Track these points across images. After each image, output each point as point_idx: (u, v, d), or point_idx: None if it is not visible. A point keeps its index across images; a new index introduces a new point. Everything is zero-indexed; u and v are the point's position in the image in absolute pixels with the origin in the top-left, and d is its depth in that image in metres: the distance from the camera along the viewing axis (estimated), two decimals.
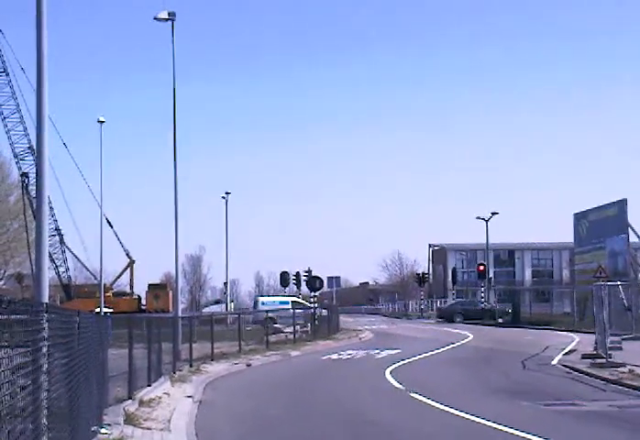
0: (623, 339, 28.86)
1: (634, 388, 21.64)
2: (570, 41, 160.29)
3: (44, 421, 8.29)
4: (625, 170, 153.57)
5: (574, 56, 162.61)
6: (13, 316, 7.09)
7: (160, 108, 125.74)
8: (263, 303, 63.45)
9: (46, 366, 8.63)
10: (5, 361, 6.58)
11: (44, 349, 8.53)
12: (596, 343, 29.93)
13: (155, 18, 35.47)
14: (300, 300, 63.94)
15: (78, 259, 79.17)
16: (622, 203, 57.83)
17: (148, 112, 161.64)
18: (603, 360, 27.45)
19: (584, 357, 29.73)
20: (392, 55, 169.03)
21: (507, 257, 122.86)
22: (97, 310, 54.33)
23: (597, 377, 24.54)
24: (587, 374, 25.54)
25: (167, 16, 35.51)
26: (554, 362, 30.16)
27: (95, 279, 72.59)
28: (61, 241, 75.13)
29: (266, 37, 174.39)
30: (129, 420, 16.00)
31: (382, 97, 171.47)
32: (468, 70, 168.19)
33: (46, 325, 8.69)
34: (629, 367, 25.42)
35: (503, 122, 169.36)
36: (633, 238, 57.95)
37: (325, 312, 64.99)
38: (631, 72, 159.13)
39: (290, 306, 60.04)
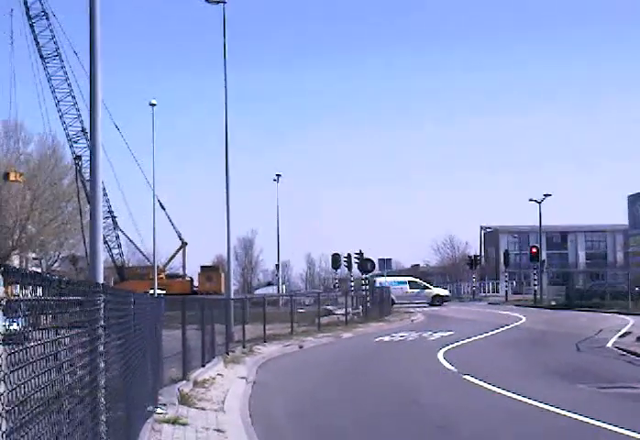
0: None
1: None
2: None
3: (102, 400, 8.35)
4: None
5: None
6: (70, 297, 7.13)
7: (211, 93, 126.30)
8: (381, 284, 64.93)
9: (102, 346, 8.69)
10: (63, 341, 6.64)
11: (100, 330, 8.58)
12: None
13: (207, 1, 35.56)
14: (416, 279, 65.06)
15: (131, 241, 79.86)
16: None
17: (199, 96, 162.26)
18: None
19: (639, 339, 29.47)
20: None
21: (560, 239, 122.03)
22: (151, 291, 54.70)
23: None
24: None
25: None
26: (608, 345, 29.90)
27: (148, 261, 73.17)
28: (115, 223, 75.80)
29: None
30: (184, 400, 16.11)
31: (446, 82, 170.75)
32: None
33: (102, 306, 8.75)
34: None
35: (555, 106, 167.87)
36: None
37: (443, 291, 66.16)
38: None
39: (408, 286, 61.73)
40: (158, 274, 65.66)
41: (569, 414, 14.97)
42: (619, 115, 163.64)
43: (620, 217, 71.05)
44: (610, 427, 13.63)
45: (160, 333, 17.34)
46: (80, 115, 67.34)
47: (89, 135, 17.51)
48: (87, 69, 16.98)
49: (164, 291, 64.47)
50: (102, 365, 8.56)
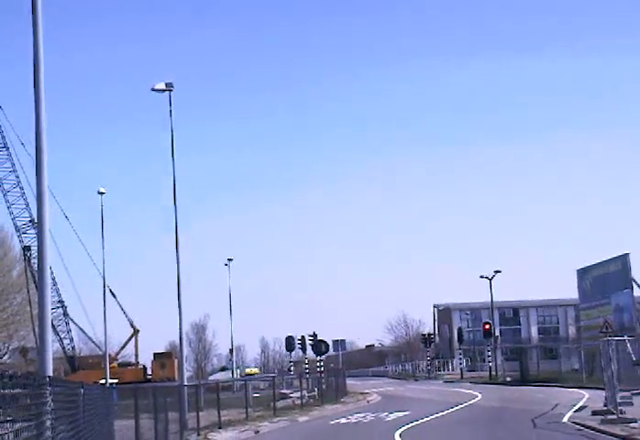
0: (632, 394, 28.62)
1: None
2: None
3: None
4: (627, 224, 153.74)
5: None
6: (17, 390, 7.04)
7: (161, 175, 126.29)
8: None
9: (50, 439, 8.55)
10: (8, 436, 6.54)
11: (48, 422, 8.46)
12: (606, 399, 29.70)
13: (153, 89, 35.94)
14: None
15: (82, 331, 79.03)
16: (624, 258, 57.79)
17: (149, 179, 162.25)
18: (614, 416, 27.22)
19: (594, 413, 29.46)
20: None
21: (512, 315, 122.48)
22: (102, 381, 53.98)
23: (608, 433, 24.28)
24: (598, 431, 25.27)
25: (164, 87, 35.97)
26: (564, 420, 29.86)
27: (100, 350, 72.34)
28: (65, 313, 75.09)
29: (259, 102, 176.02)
30: None
31: (382, 158, 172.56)
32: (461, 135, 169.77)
33: (50, 398, 8.63)
34: None
35: (503, 180, 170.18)
36: (637, 292, 57.81)
37: None
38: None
39: None
40: (110, 363, 64.87)
41: None
42: (568, 189, 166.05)
43: (571, 291, 71.51)
44: None
45: (112, 423, 17.11)
46: (28, 206, 67.19)
47: (36, 224, 17.48)
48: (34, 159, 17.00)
49: (117, 380, 63.67)
50: None
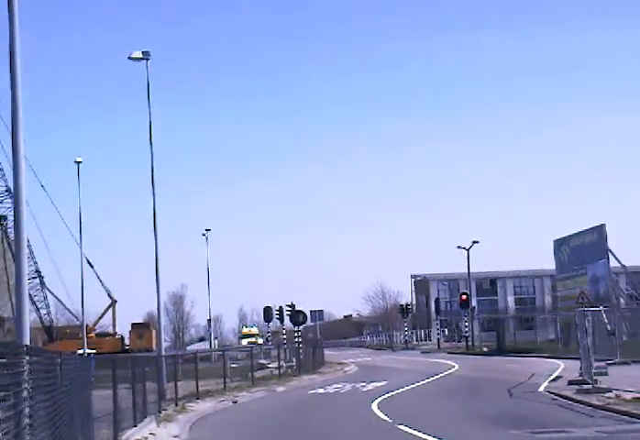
0: (607, 364, 28.85)
1: (621, 413, 21.54)
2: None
3: None
4: (603, 196, 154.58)
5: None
6: None
7: (141, 147, 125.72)
8: None
9: (28, 409, 8.52)
10: None
11: (25, 393, 8.42)
12: (581, 369, 29.90)
13: (129, 58, 35.68)
14: None
15: (59, 301, 78.99)
16: (601, 229, 58.07)
17: (127, 151, 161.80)
18: (589, 386, 27.41)
19: (570, 383, 29.65)
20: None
21: (489, 285, 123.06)
22: (80, 351, 53.98)
23: (584, 403, 24.44)
24: (573, 400, 25.43)
25: (141, 56, 35.69)
26: (540, 389, 30.05)
27: (77, 320, 72.32)
28: (42, 283, 74.96)
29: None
30: None
31: (361, 132, 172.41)
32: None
33: (27, 368, 8.60)
34: (615, 392, 25.37)
35: (482, 152, 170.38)
36: (613, 263, 58.13)
37: None
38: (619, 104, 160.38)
39: None
40: (87, 333, 64.89)
41: None
42: (544, 161, 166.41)
43: (547, 262, 71.91)
44: None
45: (90, 393, 17.09)
46: (4, 175, 66.79)
47: (13, 194, 17.36)
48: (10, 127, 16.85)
49: (94, 351, 63.70)
50: (27, 428, 8.39)
